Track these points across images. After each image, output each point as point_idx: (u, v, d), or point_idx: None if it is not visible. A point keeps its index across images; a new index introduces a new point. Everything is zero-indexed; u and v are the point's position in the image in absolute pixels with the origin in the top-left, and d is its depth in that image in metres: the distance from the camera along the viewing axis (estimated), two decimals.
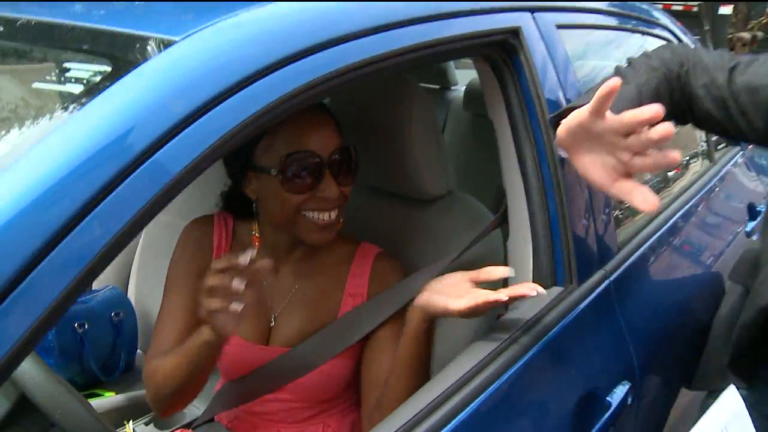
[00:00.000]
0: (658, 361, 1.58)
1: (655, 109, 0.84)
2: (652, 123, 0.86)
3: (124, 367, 1.78)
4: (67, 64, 0.93)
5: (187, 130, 0.77)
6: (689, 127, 1.25)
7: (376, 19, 1.01)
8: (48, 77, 0.96)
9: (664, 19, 2.06)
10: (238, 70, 0.83)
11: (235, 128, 0.80)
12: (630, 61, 1.18)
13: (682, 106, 1.13)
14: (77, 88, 0.85)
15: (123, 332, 1.76)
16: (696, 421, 1.28)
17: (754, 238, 2.12)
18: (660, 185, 1.91)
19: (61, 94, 0.89)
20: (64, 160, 0.71)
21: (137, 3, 1.12)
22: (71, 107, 0.79)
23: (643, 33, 1.89)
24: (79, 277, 0.69)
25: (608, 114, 0.91)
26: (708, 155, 2.26)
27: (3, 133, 0.86)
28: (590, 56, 1.64)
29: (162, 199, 0.75)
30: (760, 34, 10.76)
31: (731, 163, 2.30)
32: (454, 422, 1.03)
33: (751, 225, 2.18)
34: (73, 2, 1.11)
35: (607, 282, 1.41)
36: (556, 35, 1.38)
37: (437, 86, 3.02)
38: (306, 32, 0.92)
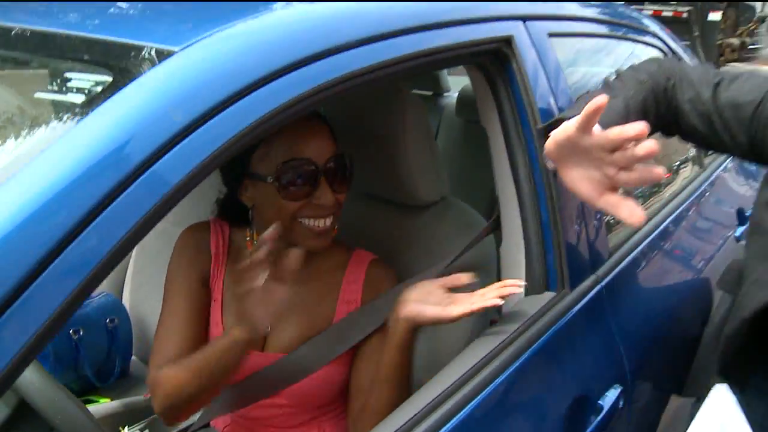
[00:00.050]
0: (649, 365, 1.60)
1: (640, 127, 0.87)
2: (638, 140, 0.89)
3: (119, 374, 1.79)
4: (67, 74, 0.93)
5: (185, 141, 0.78)
6: None
7: (371, 29, 1.02)
8: (49, 87, 0.97)
9: (654, 27, 2.09)
10: (236, 80, 0.84)
11: (233, 138, 0.81)
12: (618, 74, 1.21)
13: (668, 119, 1.15)
14: (79, 98, 0.86)
15: (118, 338, 1.76)
16: (687, 427, 1.29)
17: (743, 243, 2.14)
18: (651, 190, 1.93)
19: (62, 103, 0.89)
20: (65, 171, 0.71)
21: (136, 12, 1.13)
22: (72, 117, 0.80)
23: (633, 40, 1.91)
24: (79, 288, 0.70)
25: (595, 129, 0.93)
26: (698, 160, 2.29)
27: (3, 142, 0.87)
28: (581, 63, 1.66)
29: (161, 209, 0.76)
30: (748, 40, 10.85)
31: (721, 168, 2.33)
32: (447, 426, 1.04)
33: (740, 230, 2.20)
34: (74, 11, 1.12)
35: (598, 287, 1.43)
36: (548, 43, 1.40)
37: (430, 93, 3.03)
38: (302, 42, 0.93)
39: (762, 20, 11.37)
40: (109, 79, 0.84)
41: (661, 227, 1.79)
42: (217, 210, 1.39)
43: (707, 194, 2.17)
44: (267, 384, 1.29)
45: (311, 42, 0.94)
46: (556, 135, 0.99)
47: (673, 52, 2.11)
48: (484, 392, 1.11)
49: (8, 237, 0.67)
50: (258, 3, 1.07)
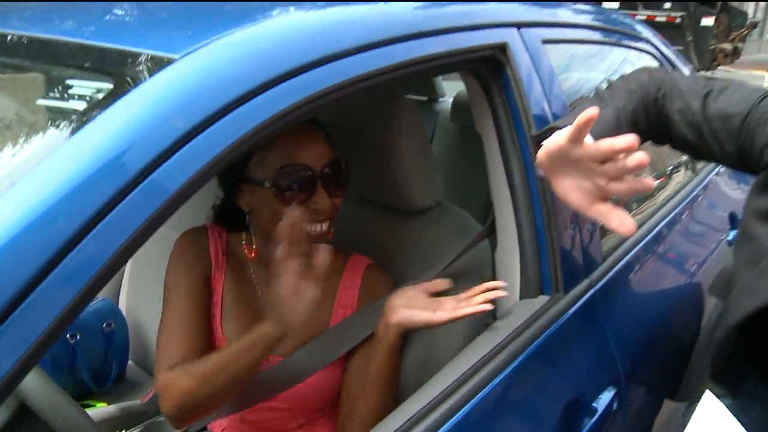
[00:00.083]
0: (642, 368, 1.61)
1: (631, 139, 0.89)
2: (628, 151, 0.90)
3: (115, 378, 1.79)
4: (68, 81, 0.94)
5: (184, 148, 0.78)
6: None
7: (368, 37, 1.03)
8: (50, 94, 0.97)
9: (646, 33, 2.10)
10: (235, 87, 0.85)
11: (233, 144, 0.82)
12: (609, 84, 1.22)
13: (658, 129, 1.17)
14: (80, 105, 0.87)
15: (114, 343, 1.77)
16: (680, 431, 1.30)
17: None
18: (644, 195, 1.94)
19: (63, 111, 0.90)
20: (66, 179, 0.72)
21: (136, 20, 1.13)
22: (74, 125, 0.80)
23: (626, 46, 1.93)
24: (80, 294, 0.70)
25: (587, 140, 0.95)
26: (691, 165, 2.30)
27: (4, 150, 0.88)
28: (575, 69, 1.67)
29: (160, 216, 0.77)
30: (741, 45, 10.91)
31: (714, 172, 2.34)
32: (443, 429, 1.05)
33: (732, 234, 2.22)
34: (73, 17, 1.13)
35: (592, 291, 1.44)
36: (542, 50, 1.41)
37: (425, 98, 3.05)
38: (300, 50, 0.94)
39: (754, 25, 11.45)
40: (110, 86, 0.85)
41: (655, 231, 1.80)
42: (213, 215, 1.40)
43: (700, 198, 2.18)
44: (264, 387, 1.30)
45: (309, 49, 0.95)
46: (548, 145, 1.01)
47: (666, 58, 2.12)
48: (479, 395, 1.12)
49: (9, 244, 0.67)
50: (256, 11, 1.08)
